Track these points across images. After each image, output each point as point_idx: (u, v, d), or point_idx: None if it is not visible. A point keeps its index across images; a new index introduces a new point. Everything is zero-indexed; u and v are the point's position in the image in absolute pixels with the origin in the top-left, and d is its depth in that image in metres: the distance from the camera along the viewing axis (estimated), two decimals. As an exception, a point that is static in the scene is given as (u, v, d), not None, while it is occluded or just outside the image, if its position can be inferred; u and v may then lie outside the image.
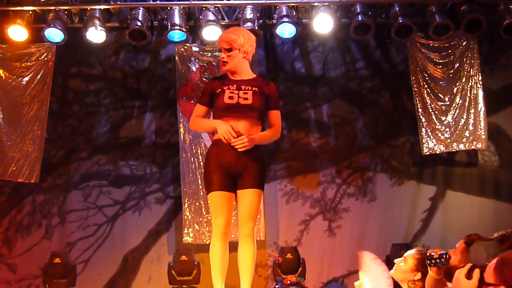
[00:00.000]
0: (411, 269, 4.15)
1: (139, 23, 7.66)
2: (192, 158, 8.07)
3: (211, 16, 7.77)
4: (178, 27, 7.72)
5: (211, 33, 7.74)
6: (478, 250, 3.87)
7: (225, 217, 4.41)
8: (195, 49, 8.17)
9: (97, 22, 7.68)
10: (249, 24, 7.67)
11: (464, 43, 8.06)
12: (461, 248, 3.96)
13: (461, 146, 8.04)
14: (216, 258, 4.40)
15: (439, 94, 8.07)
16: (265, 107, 4.54)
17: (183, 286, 7.55)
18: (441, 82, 8.10)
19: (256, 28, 7.72)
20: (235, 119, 4.43)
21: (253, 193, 4.43)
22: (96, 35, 7.74)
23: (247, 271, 4.42)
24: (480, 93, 8.00)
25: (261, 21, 8.09)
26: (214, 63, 8.11)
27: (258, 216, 7.94)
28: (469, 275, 2.45)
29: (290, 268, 7.61)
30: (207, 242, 7.58)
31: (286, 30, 7.78)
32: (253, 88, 4.50)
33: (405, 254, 4.23)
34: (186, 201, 8.03)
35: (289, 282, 7.38)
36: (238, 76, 4.58)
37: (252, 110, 4.47)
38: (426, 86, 8.08)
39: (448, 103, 8.06)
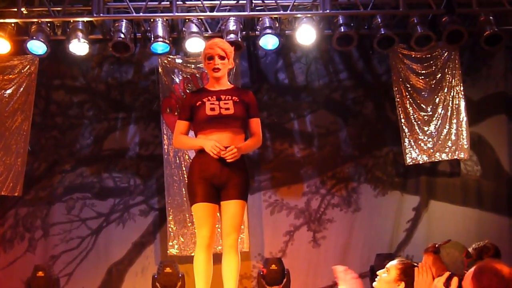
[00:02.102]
0: (394, 279, 4.16)
1: (122, 35, 7.66)
2: (176, 170, 8.05)
3: (194, 28, 7.79)
4: (161, 39, 7.73)
5: (194, 45, 7.76)
6: (450, 252, 3.89)
7: (209, 228, 4.43)
8: (178, 61, 8.18)
9: (80, 34, 7.67)
10: (232, 35, 7.69)
11: (445, 54, 8.13)
12: (431, 260, 3.97)
13: (444, 156, 8.09)
14: (200, 270, 4.42)
15: (422, 105, 8.13)
16: (246, 116, 4.59)
17: (168, 298, 7.52)
18: (423, 93, 8.16)
19: (239, 39, 7.75)
20: (218, 130, 4.47)
21: (237, 204, 4.47)
22: (79, 47, 7.72)
23: (231, 282, 4.44)
24: (462, 103, 8.07)
25: (244, 32, 8.12)
26: (197, 75, 8.12)
27: (242, 227, 7.95)
28: (447, 283, 2.47)
29: (274, 280, 7.60)
30: (192, 254, 7.49)
31: (269, 42, 7.82)
32: (233, 98, 4.55)
33: (387, 265, 4.24)
34: (170, 213, 8.01)
35: (274, 293, 7.39)
36: (217, 86, 4.64)
37: (235, 119, 4.51)
38: (408, 96, 8.13)
39: (430, 113, 8.12)
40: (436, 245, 3.96)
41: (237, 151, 4.42)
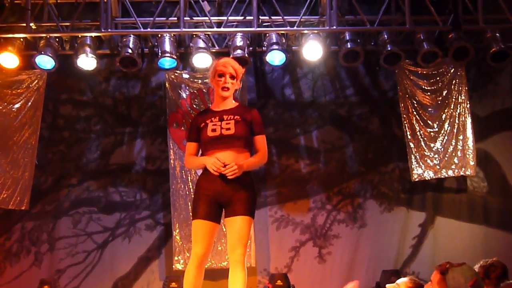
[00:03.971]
0: None
1: (129, 50, 7.71)
2: (182, 185, 8.07)
3: (201, 44, 7.83)
4: (168, 54, 7.77)
5: (201, 60, 7.80)
6: (456, 277, 3.87)
7: (204, 246, 4.45)
8: (185, 76, 8.22)
9: (88, 49, 7.73)
10: (239, 51, 7.73)
11: (452, 70, 8.14)
12: (437, 279, 3.96)
13: (450, 173, 8.08)
14: (190, 283, 4.44)
15: (428, 121, 8.13)
16: (249, 134, 4.59)
17: (173, 313, 7.51)
18: (429, 109, 8.16)
19: (246, 55, 7.79)
20: (220, 150, 4.49)
21: (243, 220, 4.45)
22: (87, 62, 7.78)
23: None
24: (469, 120, 8.07)
25: (251, 48, 8.17)
26: (204, 90, 8.15)
27: (249, 242, 7.94)
28: None
29: (280, 295, 7.59)
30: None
31: (276, 57, 7.85)
32: (235, 117, 4.57)
33: (397, 281, 4.25)
34: (176, 227, 8.01)
35: (279, 309, 7.37)
36: (222, 106, 4.65)
37: (236, 139, 4.52)
38: (415, 112, 8.14)
39: (436, 129, 8.12)
40: (447, 266, 3.95)
41: (237, 168, 4.41)
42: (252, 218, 4.50)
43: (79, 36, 7.85)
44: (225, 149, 4.49)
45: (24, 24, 7.66)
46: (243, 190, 4.49)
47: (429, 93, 8.17)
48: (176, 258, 7.98)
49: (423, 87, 8.16)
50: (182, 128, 8.01)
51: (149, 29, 7.80)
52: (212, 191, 4.47)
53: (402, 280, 4.27)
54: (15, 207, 7.88)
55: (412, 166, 8.09)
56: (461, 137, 8.07)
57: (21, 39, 7.82)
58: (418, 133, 8.11)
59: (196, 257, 4.45)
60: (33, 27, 7.75)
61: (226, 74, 4.59)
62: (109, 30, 7.74)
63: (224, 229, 4.58)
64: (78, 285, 8.19)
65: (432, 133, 8.12)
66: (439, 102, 8.16)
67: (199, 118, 4.68)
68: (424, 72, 8.15)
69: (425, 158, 8.08)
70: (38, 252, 8.23)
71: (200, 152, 4.68)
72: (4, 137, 7.96)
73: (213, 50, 8.02)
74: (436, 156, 8.08)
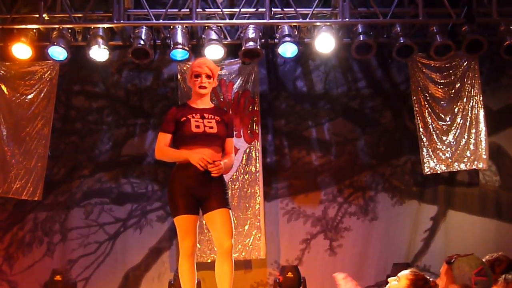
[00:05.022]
0: None
1: (142, 42, 7.71)
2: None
3: (213, 35, 7.83)
4: (180, 46, 7.77)
5: (213, 52, 7.80)
6: (461, 266, 3.87)
7: (192, 239, 4.66)
8: (197, 68, 8.20)
9: (100, 40, 7.74)
10: (251, 43, 7.72)
11: (465, 63, 8.10)
12: (445, 269, 3.97)
13: (462, 166, 8.05)
14: (185, 276, 4.69)
15: (440, 114, 8.10)
16: (226, 135, 4.82)
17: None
18: (442, 102, 8.13)
19: (258, 47, 7.77)
20: (201, 147, 4.67)
21: (223, 213, 4.66)
22: (99, 53, 7.79)
23: (226, 286, 4.63)
24: (481, 113, 8.02)
25: (263, 40, 8.15)
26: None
27: (260, 235, 7.97)
28: None
29: (291, 287, 7.60)
30: (209, 261, 7.59)
31: (288, 49, 7.83)
32: (216, 117, 4.78)
33: (399, 274, 4.25)
34: (187, 219, 8.02)
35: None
36: (200, 104, 4.83)
37: (217, 138, 4.75)
38: (427, 105, 8.11)
39: (449, 122, 8.09)
40: (455, 256, 3.95)
41: (222, 167, 4.66)
42: (230, 209, 4.72)
43: (92, 27, 7.86)
44: (205, 146, 4.67)
45: (37, 15, 7.69)
46: (218, 185, 4.69)
47: (441, 86, 8.13)
48: (187, 249, 7.99)
49: (436, 80, 8.12)
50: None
51: (161, 21, 7.80)
52: (190, 186, 4.64)
53: (403, 273, 4.27)
54: (28, 197, 7.93)
55: (424, 159, 8.07)
56: (473, 131, 8.04)
57: (34, 30, 7.84)
58: (430, 126, 8.08)
59: (186, 250, 4.66)
60: (46, 18, 7.77)
61: (202, 74, 4.78)
62: (122, 21, 7.76)
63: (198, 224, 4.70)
64: (89, 276, 8.24)
65: (444, 126, 8.09)
66: (452, 95, 8.12)
67: (179, 112, 4.81)
68: (437, 65, 8.10)
69: (437, 151, 8.05)
70: (50, 242, 8.29)
71: (173, 145, 4.83)
72: (17, 128, 8.00)
73: (225, 42, 8.01)
74: (448, 149, 8.05)
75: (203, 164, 4.58)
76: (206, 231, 7.86)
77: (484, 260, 4.62)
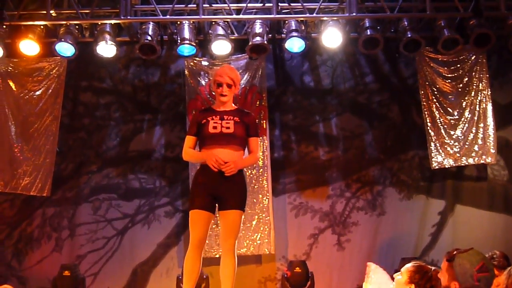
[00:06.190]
0: (405, 281, 4.25)
1: (149, 38, 7.72)
2: (201, 172, 8.09)
3: (220, 31, 7.83)
4: (187, 42, 7.78)
5: (220, 47, 7.80)
6: (462, 263, 3.87)
7: (200, 232, 4.94)
8: (204, 63, 8.22)
9: (107, 36, 7.76)
10: (258, 38, 7.72)
11: (473, 58, 8.07)
12: (445, 267, 3.97)
13: (470, 160, 8.03)
14: (188, 265, 4.94)
15: (448, 108, 8.08)
16: (246, 135, 5.11)
17: (192, 299, 7.55)
18: (450, 96, 8.10)
19: (265, 42, 7.77)
20: (219, 146, 4.98)
21: (234, 214, 4.95)
22: (106, 49, 7.81)
23: (228, 282, 4.92)
24: (489, 107, 8.00)
25: (270, 35, 8.15)
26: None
27: (268, 230, 7.99)
28: None
29: (298, 282, 7.61)
30: (217, 256, 7.60)
31: (295, 44, 7.82)
32: (235, 118, 5.08)
33: (402, 269, 4.31)
34: (195, 214, 8.04)
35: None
36: (222, 107, 5.15)
37: (234, 138, 5.02)
38: (435, 100, 8.08)
39: (457, 117, 8.07)
40: (455, 252, 3.96)
41: (234, 167, 4.92)
42: (243, 211, 5.02)
43: (99, 23, 7.87)
44: (223, 146, 4.98)
45: (44, 12, 7.71)
46: (236, 186, 4.99)
47: (449, 81, 8.11)
48: (195, 244, 8.02)
49: (444, 74, 8.10)
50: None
51: (168, 16, 7.81)
52: (208, 185, 4.95)
53: (405, 266, 4.32)
54: (37, 193, 7.96)
55: (432, 154, 8.05)
56: (481, 125, 8.01)
57: (41, 27, 7.86)
58: (438, 120, 8.06)
59: (194, 241, 4.93)
60: (53, 14, 7.79)
61: (224, 83, 5.11)
62: (129, 17, 7.76)
63: (212, 221, 5.11)
64: (98, 271, 8.28)
65: (452, 121, 8.07)
66: (460, 89, 8.09)
67: (201, 115, 5.16)
68: (445, 59, 8.08)
69: (445, 146, 8.03)
70: (59, 238, 8.33)
71: (198, 146, 5.16)
72: (26, 124, 8.03)
73: (232, 37, 8.00)
74: (456, 143, 8.03)
75: (216, 165, 4.89)
76: (214, 226, 7.89)
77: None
